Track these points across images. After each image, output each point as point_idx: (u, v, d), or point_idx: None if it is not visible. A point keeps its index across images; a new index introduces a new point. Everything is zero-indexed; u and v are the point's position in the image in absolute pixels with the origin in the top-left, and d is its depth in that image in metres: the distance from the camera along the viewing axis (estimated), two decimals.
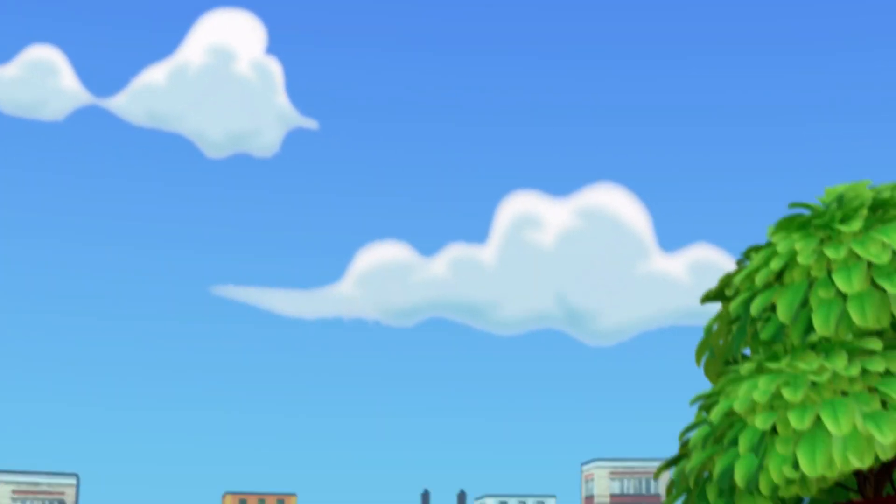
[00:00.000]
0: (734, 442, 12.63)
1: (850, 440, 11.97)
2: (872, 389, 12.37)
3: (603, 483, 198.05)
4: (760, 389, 12.42)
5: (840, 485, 13.85)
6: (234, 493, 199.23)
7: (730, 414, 12.83)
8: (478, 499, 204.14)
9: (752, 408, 12.55)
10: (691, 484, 12.84)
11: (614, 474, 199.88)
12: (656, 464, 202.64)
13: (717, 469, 12.38)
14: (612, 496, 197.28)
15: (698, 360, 14.37)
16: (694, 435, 13.04)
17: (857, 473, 13.13)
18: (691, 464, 12.77)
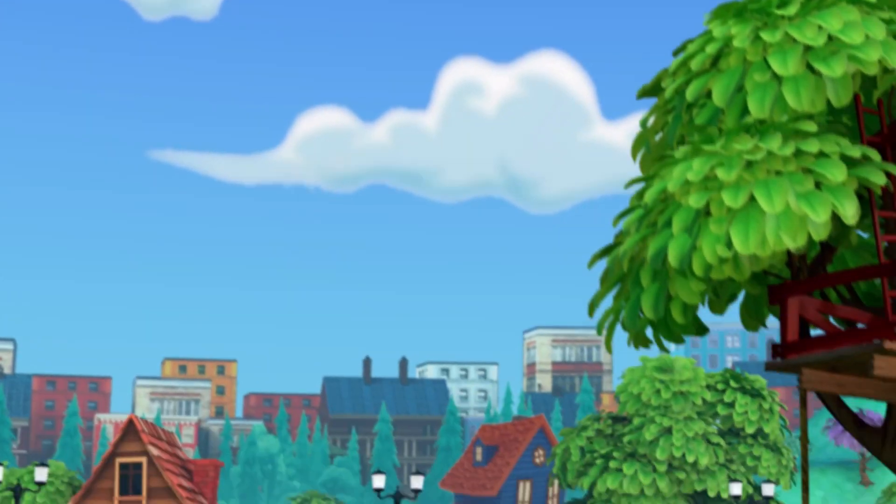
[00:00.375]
0: (668, 223, 12.62)
1: (783, 218, 12.00)
2: (806, 170, 12.38)
3: (545, 350, 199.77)
4: (695, 170, 12.40)
5: (773, 275, 13.91)
6: (174, 360, 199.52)
7: (664, 196, 12.81)
8: (419, 366, 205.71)
9: (687, 188, 12.55)
10: (625, 267, 12.84)
11: (556, 342, 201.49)
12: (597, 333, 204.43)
13: (651, 250, 12.38)
14: (554, 363, 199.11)
15: (634, 155, 14.32)
16: (628, 219, 13.02)
17: (790, 262, 13.17)
18: (624, 247, 12.76)
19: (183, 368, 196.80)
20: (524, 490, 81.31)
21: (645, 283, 12.52)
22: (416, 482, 54.05)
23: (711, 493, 64.60)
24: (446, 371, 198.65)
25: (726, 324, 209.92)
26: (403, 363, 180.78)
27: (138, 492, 57.29)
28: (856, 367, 11.81)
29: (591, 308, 13.27)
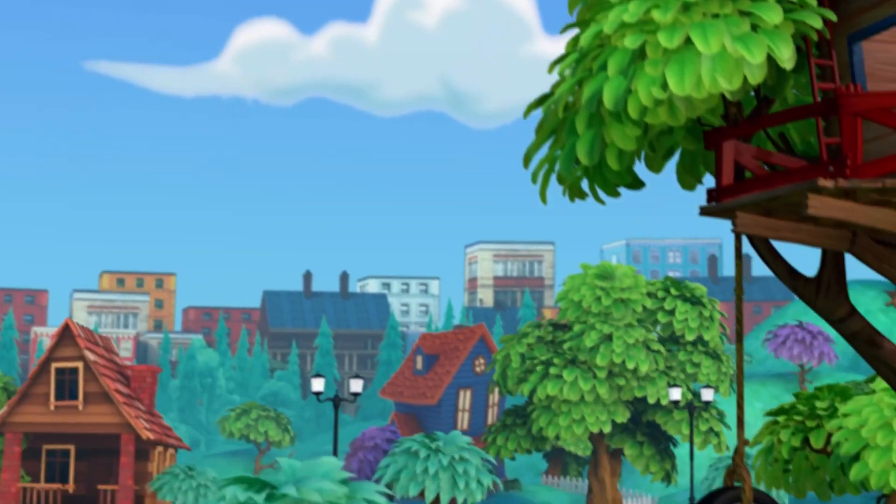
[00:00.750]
0: (603, 66, 12.32)
1: (718, 60, 11.73)
2: (743, 13, 12.12)
3: (486, 265, 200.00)
4: (630, 12, 12.10)
5: (709, 127, 13.67)
6: (112, 273, 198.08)
7: (600, 39, 12.49)
8: (360, 280, 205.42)
9: (622, 31, 12.24)
10: (560, 114, 12.54)
11: (498, 257, 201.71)
12: (540, 247, 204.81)
13: (586, 94, 12.08)
14: (496, 278, 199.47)
15: (571, 9, 13.95)
16: (562, 64, 12.71)
17: (727, 114, 12.92)
18: (559, 92, 12.45)
19: (121, 282, 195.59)
20: (464, 398, 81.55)
21: (580, 129, 12.22)
22: (356, 386, 53.98)
23: (651, 400, 64.98)
24: (387, 285, 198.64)
25: (668, 239, 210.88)
26: (344, 277, 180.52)
27: (74, 397, 56.88)
28: (790, 210, 11.62)
29: (527, 159, 12.96)
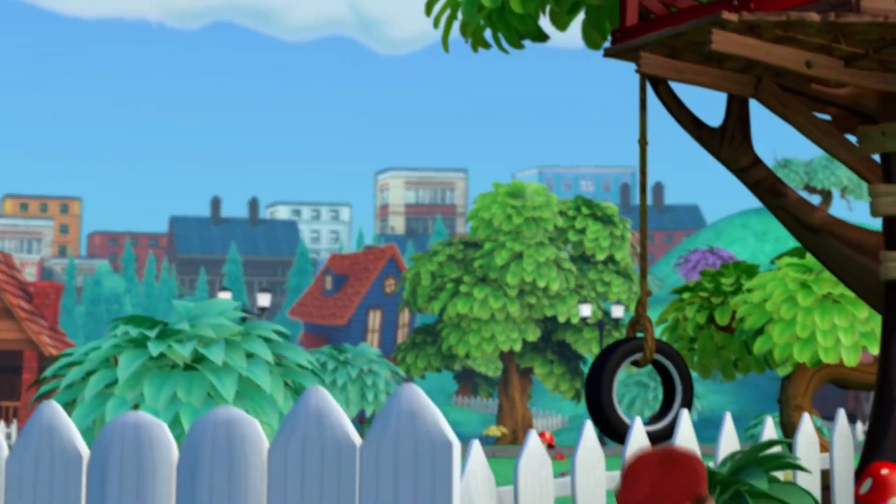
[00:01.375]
0: None
1: None
2: None
3: (398, 192, 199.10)
4: None
5: None
6: (14, 197, 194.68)
7: None
8: (269, 206, 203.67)
9: None
10: None
11: (409, 184, 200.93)
12: (451, 174, 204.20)
13: None
14: (407, 206, 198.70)
15: None
16: None
17: None
18: None
19: (24, 206, 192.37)
20: (374, 319, 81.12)
21: None
22: (263, 300, 53.19)
23: (562, 319, 64.92)
24: (297, 212, 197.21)
25: (581, 167, 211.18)
26: (253, 203, 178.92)
27: None
28: (695, 51, 11.19)
29: (429, 6, 12.44)
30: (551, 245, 66.30)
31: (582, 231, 68.45)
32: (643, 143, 12.38)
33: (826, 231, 11.90)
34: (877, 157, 12.13)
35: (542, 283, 64.29)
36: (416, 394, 3.72)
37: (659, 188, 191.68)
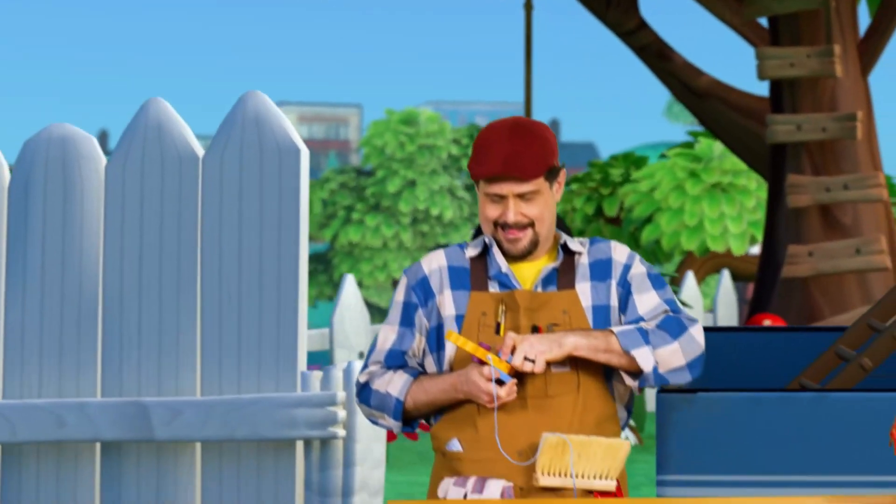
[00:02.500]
0: None
1: None
2: None
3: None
4: None
5: None
6: None
7: None
8: None
9: None
10: None
11: (303, 119, 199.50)
12: (345, 109, 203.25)
13: None
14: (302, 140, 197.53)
15: None
16: None
17: None
18: None
19: None
20: None
21: None
22: None
23: None
24: None
25: (476, 104, 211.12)
26: None
27: None
28: None
29: None
30: (445, 173, 66.16)
31: None
32: (529, 7, 12.20)
33: (713, 95, 11.75)
34: (764, 22, 11.99)
35: (435, 211, 64.19)
36: (262, 100, 3.46)
37: (555, 125, 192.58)
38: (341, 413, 3.21)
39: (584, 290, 3.68)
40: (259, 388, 3.34)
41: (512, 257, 3.71)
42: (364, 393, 3.54)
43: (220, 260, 3.43)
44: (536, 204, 3.65)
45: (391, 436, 10.22)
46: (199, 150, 3.51)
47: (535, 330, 3.63)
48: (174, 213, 3.46)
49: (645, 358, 3.56)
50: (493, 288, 3.69)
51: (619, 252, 3.73)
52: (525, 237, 3.66)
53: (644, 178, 16.52)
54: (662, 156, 17.18)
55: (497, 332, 3.63)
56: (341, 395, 3.22)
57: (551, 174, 3.67)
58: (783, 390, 3.92)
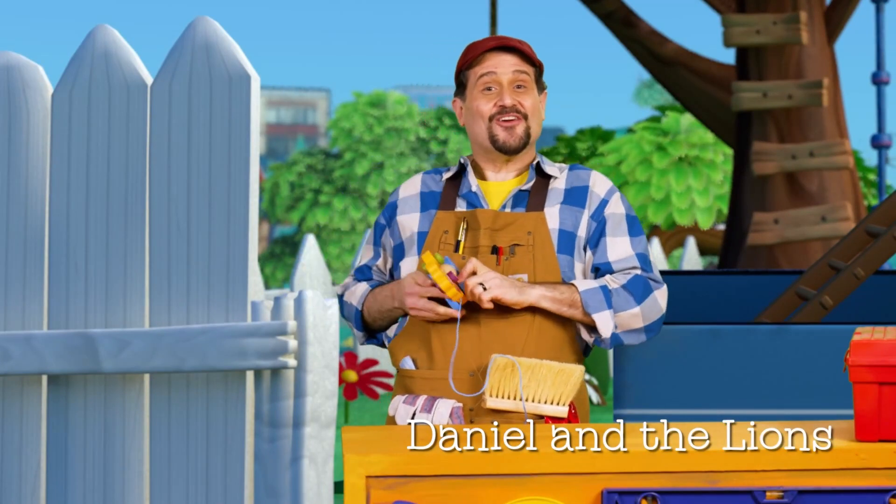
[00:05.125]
0: None
1: None
2: None
3: (258, 112, 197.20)
4: None
5: None
6: None
7: None
8: None
9: None
10: None
11: (271, 103, 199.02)
12: (314, 94, 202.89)
13: None
14: (269, 125, 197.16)
15: None
16: None
17: None
18: None
19: None
20: None
21: None
22: None
23: None
24: None
25: (445, 88, 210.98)
26: None
27: None
28: None
29: None
30: (413, 156, 66.07)
31: (444, 142, 68.32)
32: None
33: (678, 63, 11.70)
34: None
35: None
36: (212, 26, 3.37)
37: None
38: (292, 343, 3.13)
39: (552, 213, 3.60)
40: (209, 318, 3.27)
41: (484, 178, 3.67)
42: (340, 304, 3.62)
43: (168, 189, 3.36)
44: (530, 96, 3.61)
45: (351, 392, 10.15)
46: (148, 78, 3.42)
47: (496, 250, 3.56)
48: (122, 141, 3.39)
49: (605, 323, 3.51)
50: (461, 207, 3.65)
51: (600, 184, 3.65)
52: (520, 125, 3.60)
53: (611, 152, 16.48)
54: (630, 130, 17.14)
55: (456, 249, 3.59)
56: (292, 324, 3.15)
57: (540, 78, 3.65)
58: (742, 323, 3.87)
